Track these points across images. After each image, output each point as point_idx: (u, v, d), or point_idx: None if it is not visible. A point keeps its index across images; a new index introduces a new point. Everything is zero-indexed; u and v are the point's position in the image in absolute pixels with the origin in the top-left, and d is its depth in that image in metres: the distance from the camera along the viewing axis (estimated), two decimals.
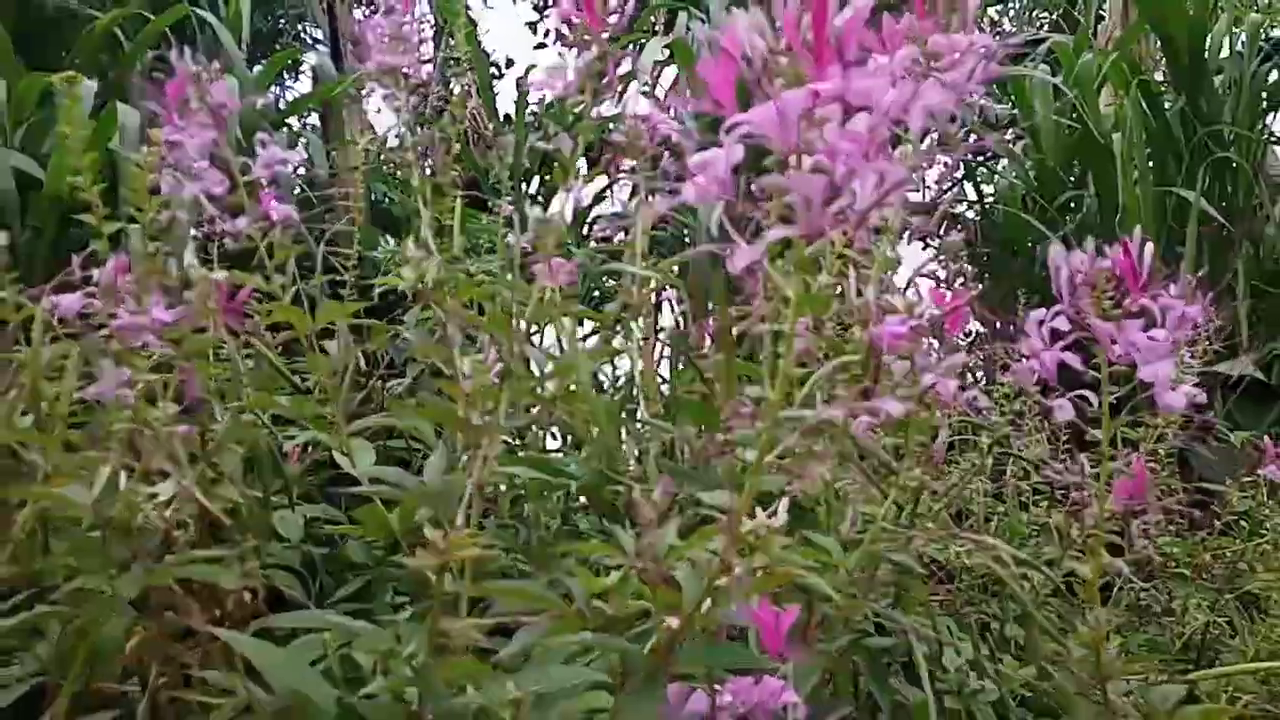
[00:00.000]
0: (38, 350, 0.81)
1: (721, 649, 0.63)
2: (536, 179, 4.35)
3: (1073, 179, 3.63)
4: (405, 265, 0.79)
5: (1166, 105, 3.46)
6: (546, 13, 9.01)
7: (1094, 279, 0.72)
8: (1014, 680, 0.88)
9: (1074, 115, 3.50)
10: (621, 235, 1.52)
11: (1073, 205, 3.60)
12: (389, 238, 1.69)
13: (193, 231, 1.29)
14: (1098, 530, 0.80)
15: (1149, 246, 0.74)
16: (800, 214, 0.46)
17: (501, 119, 4.72)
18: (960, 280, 1.09)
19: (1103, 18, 4.89)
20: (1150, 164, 3.36)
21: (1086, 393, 0.75)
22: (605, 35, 0.89)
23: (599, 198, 4.19)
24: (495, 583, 0.75)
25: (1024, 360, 0.73)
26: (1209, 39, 3.52)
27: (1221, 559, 1.66)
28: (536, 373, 0.97)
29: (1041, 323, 0.74)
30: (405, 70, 1.46)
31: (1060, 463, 1.00)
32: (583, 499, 1.23)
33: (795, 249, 0.49)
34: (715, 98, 0.50)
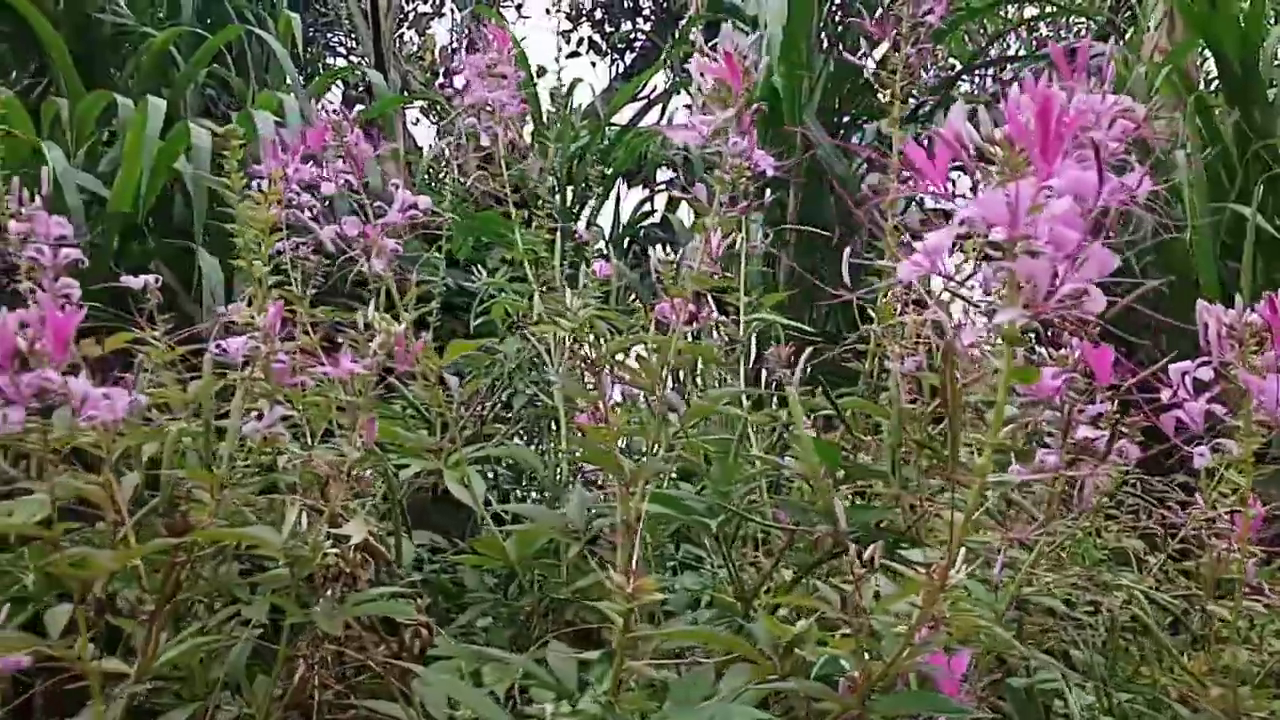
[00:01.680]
0: (208, 386, 0.85)
1: (923, 695, 0.66)
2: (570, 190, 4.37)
3: None
4: (557, 312, 0.82)
5: (1218, 119, 3.46)
6: (580, 21, 9.04)
7: (1242, 334, 0.74)
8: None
9: None
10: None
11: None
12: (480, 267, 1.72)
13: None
14: (1237, 568, 0.82)
15: None
16: (1028, 296, 0.49)
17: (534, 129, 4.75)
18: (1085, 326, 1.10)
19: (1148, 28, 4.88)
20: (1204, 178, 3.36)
21: (1226, 442, 0.77)
22: (742, 92, 0.92)
23: (641, 214, 4.22)
24: (683, 627, 0.79)
25: (1170, 410, 0.76)
26: (1262, 52, 3.51)
27: None
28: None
29: (1185, 373, 0.77)
30: (504, 103, 1.50)
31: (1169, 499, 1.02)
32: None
33: (1008, 328, 0.52)
34: (931, 183, 0.53)
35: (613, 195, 4.13)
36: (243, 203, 1.14)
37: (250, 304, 1.37)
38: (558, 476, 1.34)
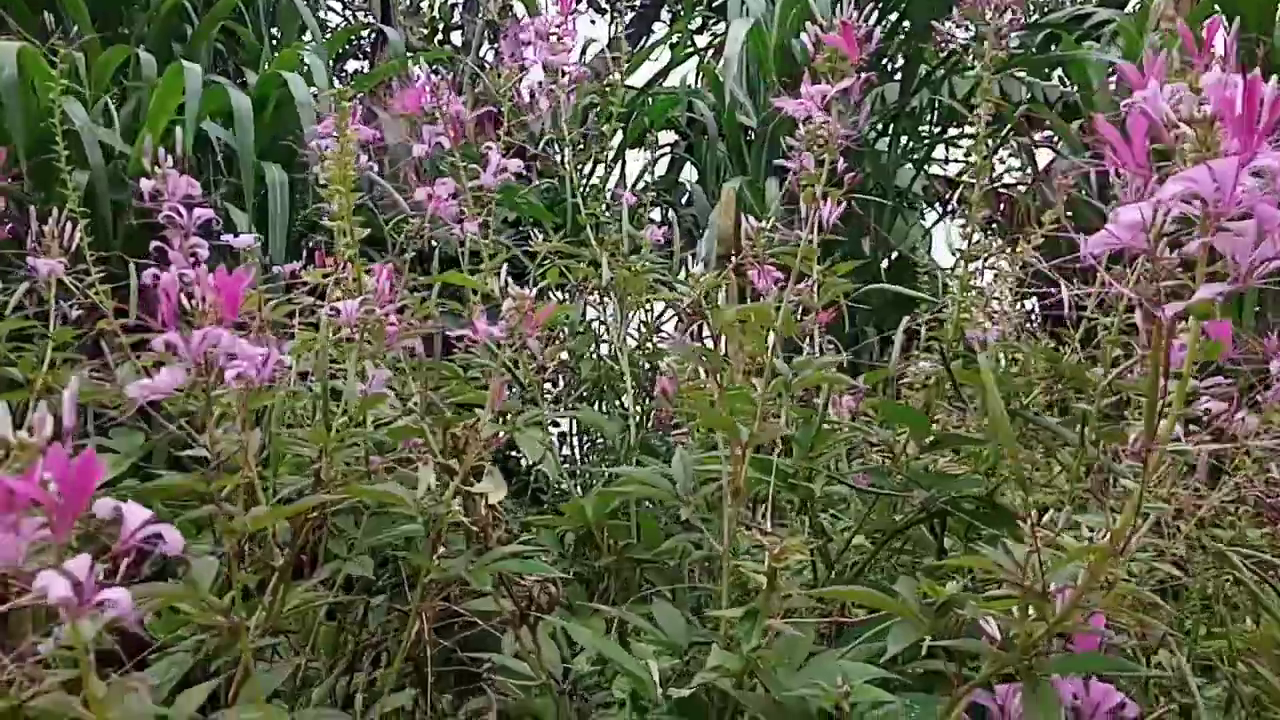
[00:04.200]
0: (325, 347, 0.86)
1: (1095, 657, 0.68)
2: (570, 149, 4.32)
3: None
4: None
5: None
6: None
7: None
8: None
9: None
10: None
11: None
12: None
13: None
14: None
15: None
16: (1233, 269, 0.51)
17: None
18: None
19: None
20: None
21: None
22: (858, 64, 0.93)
23: (658, 178, 4.21)
24: (849, 587, 0.81)
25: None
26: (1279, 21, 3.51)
27: None
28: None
29: None
30: (566, 68, 1.50)
31: None
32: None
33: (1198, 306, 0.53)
34: (1125, 158, 0.54)
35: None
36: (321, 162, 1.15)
37: (305, 265, 1.38)
38: (624, 440, 1.36)
